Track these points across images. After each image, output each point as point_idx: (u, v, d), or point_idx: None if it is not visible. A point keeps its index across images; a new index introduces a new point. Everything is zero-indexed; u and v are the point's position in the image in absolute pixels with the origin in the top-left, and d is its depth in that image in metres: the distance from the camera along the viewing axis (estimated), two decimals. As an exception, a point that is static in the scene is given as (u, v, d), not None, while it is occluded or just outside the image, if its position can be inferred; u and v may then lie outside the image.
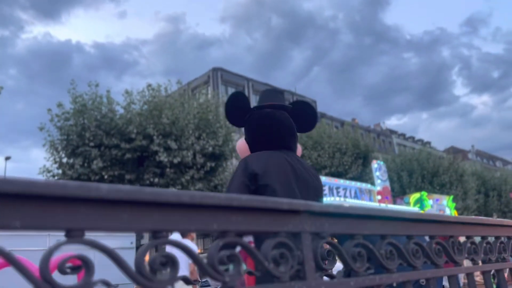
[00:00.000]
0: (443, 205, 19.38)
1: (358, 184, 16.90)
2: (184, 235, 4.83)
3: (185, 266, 4.40)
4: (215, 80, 30.59)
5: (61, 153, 14.03)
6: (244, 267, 0.64)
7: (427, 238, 1.06)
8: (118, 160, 13.79)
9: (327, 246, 0.79)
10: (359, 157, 21.45)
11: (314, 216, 0.75)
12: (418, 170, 24.10)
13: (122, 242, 8.92)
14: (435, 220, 1.07)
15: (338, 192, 15.10)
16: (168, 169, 13.76)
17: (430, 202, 18.60)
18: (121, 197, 0.52)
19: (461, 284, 3.43)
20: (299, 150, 2.07)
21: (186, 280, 0.64)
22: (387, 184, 18.55)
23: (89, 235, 0.52)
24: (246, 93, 30.32)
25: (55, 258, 0.55)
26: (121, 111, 14.74)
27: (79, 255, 0.52)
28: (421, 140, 54.21)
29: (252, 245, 0.87)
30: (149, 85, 15.13)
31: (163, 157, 13.48)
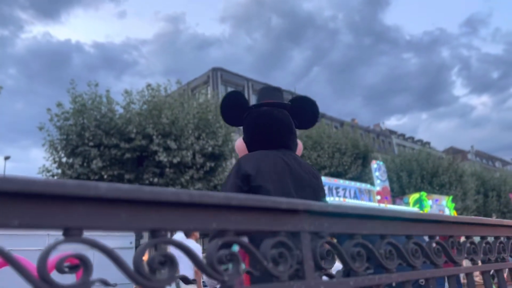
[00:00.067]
0: (443, 206, 19.39)
1: (358, 184, 16.90)
2: (187, 235, 4.82)
3: (189, 266, 4.38)
4: (214, 80, 30.58)
5: (60, 152, 14.03)
6: (243, 266, 0.64)
7: (426, 238, 1.06)
8: (118, 160, 13.78)
9: (327, 246, 0.79)
10: (358, 157, 21.46)
11: (314, 215, 0.75)
12: (418, 170, 24.11)
13: (122, 242, 8.93)
14: (434, 220, 1.07)
15: (337, 192, 15.10)
16: (167, 169, 13.75)
17: (430, 202, 18.62)
18: (120, 196, 0.51)
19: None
20: (300, 147, 2.03)
21: (185, 280, 0.64)
22: (387, 184, 18.55)
23: (89, 235, 0.51)
24: (246, 93, 30.42)
25: (53, 257, 0.55)
26: (121, 111, 14.74)
27: (77, 254, 0.51)
28: (420, 141, 54.23)
29: None
30: (149, 85, 15.12)
31: (162, 157, 13.48)
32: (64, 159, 14.09)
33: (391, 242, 0.89)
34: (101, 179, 13.39)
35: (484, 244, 1.23)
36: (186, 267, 4.51)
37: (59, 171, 13.95)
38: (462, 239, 1.19)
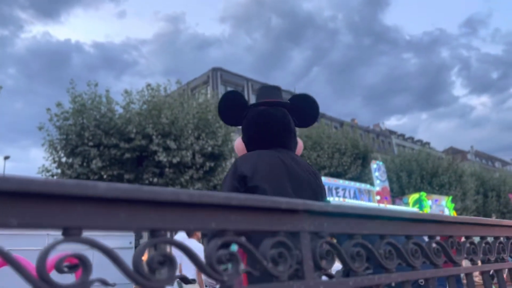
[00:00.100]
0: (442, 206, 19.40)
1: (357, 185, 16.91)
2: (189, 235, 4.81)
3: (191, 265, 4.37)
4: (214, 80, 30.58)
5: (60, 152, 14.02)
6: (242, 266, 0.64)
7: (425, 238, 1.06)
8: (117, 160, 13.78)
9: (327, 246, 0.79)
10: (358, 157, 21.47)
11: (313, 215, 0.75)
12: (417, 170, 24.13)
13: (121, 242, 8.93)
14: (434, 220, 1.07)
15: (337, 193, 15.11)
16: (167, 169, 13.75)
17: (429, 202, 18.63)
18: (119, 195, 0.51)
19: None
20: (300, 146, 2.01)
21: (184, 280, 0.64)
22: (386, 184, 18.56)
23: (88, 235, 0.51)
24: (246, 93, 30.44)
25: (52, 257, 0.55)
26: (120, 110, 14.74)
27: (76, 254, 0.51)
28: (420, 141, 54.25)
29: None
30: (149, 85, 15.12)
31: (162, 157, 13.48)
32: (63, 159, 14.08)
33: (391, 242, 0.89)
34: (100, 179, 13.38)
35: (483, 244, 1.23)
36: (188, 267, 4.51)
37: (59, 171, 13.95)
38: (462, 239, 1.19)
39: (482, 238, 1.25)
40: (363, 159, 21.64)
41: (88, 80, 14.70)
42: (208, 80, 30.70)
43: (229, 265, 0.63)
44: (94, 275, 0.52)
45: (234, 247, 0.71)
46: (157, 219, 0.56)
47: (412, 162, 24.60)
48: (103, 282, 0.62)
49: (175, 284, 4.34)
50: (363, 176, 20.95)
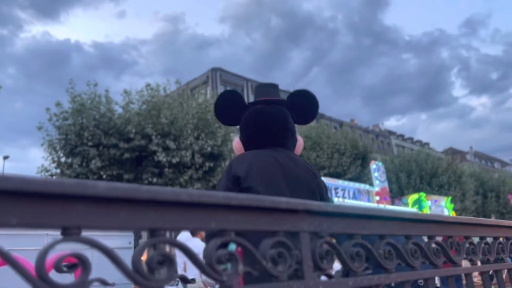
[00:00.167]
0: (441, 206, 19.41)
1: (357, 185, 16.92)
2: (193, 234, 4.81)
3: None
4: (214, 80, 30.58)
5: (59, 152, 14.02)
6: (241, 266, 0.64)
7: (425, 238, 1.06)
8: (117, 160, 13.78)
9: (326, 246, 0.78)
10: (357, 157, 21.48)
11: (313, 215, 0.75)
12: (417, 171, 24.14)
13: (120, 242, 8.93)
14: (433, 221, 1.07)
15: (336, 193, 15.12)
16: (166, 169, 13.75)
17: (429, 203, 18.63)
18: (119, 195, 0.51)
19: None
20: (300, 143, 1.97)
21: (184, 279, 0.64)
22: (386, 185, 18.57)
23: (88, 235, 0.51)
24: (245, 94, 30.44)
25: (52, 257, 0.55)
26: (120, 110, 14.73)
27: (75, 253, 0.51)
28: (419, 141, 54.26)
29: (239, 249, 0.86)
30: (148, 85, 15.12)
31: (161, 157, 13.47)
32: (63, 159, 14.08)
33: (390, 242, 0.89)
34: (100, 179, 13.37)
35: (483, 245, 1.23)
36: (193, 266, 4.50)
37: (58, 171, 13.94)
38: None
39: (482, 238, 1.25)
40: (363, 160, 21.65)
41: (87, 80, 14.73)
42: (207, 80, 30.70)
43: (228, 265, 0.63)
44: (93, 274, 0.52)
45: (232, 247, 0.71)
46: (156, 219, 0.56)
47: (411, 163, 24.61)
48: (103, 281, 0.62)
49: (179, 284, 4.33)
50: (363, 176, 20.97)
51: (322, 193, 1.81)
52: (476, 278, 2.68)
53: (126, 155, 13.54)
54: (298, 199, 0.73)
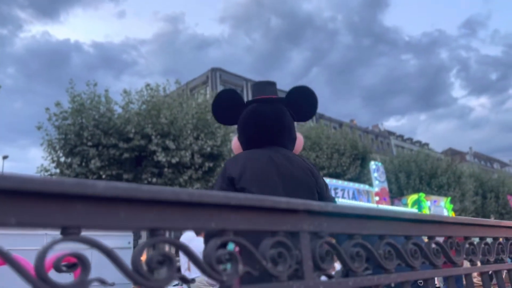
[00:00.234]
0: (441, 207, 19.42)
1: (356, 185, 16.93)
2: (198, 233, 4.81)
3: None
4: (213, 80, 30.58)
5: (59, 152, 14.01)
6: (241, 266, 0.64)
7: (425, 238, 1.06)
8: (116, 160, 13.77)
9: (326, 246, 0.78)
10: (357, 158, 21.49)
11: (313, 215, 0.75)
12: (416, 171, 24.15)
13: (120, 242, 8.91)
14: (433, 221, 1.07)
15: (336, 193, 15.12)
16: (166, 169, 13.74)
17: (428, 203, 18.64)
18: (118, 194, 0.51)
19: None
20: (299, 141, 1.94)
21: (183, 279, 0.63)
22: (385, 185, 18.58)
23: (87, 235, 0.51)
24: (245, 94, 30.45)
25: (51, 256, 0.55)
26: (119, 110, 14.73)
27: (74, 253, 0.51)
28: (419, 142, 54.30)
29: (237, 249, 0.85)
30: (148, 85, 15.12)
31: (161, 157, 13.47)
32: (62, 159, 14.07)
33: (390, 242, 0.89)
34: (99, 179, 13.36)
35: (483, 245, 1.23)
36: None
37: (58, 170, 13.93)
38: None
39: (482, 239, 1.25)
40: (362, 160, 21.66)
41: (87, 80, 14.73)
42: (207, 81, 30.70)
43: (228, 265, 0.63)
44: (92, 274, 0.51)
45: (231, 246, 0.71)
46: (156, 219, 0.55)
47: (411, 163, 24.62)
48: (102, 281, 0.62)
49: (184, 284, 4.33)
50: (362, 176, 20.97)
51: (321, 192, 1.78)
52: (476, 278, 2.68)
53: (126, 155, 13.54)
54: (298, 199, 0.73)
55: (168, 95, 15.37)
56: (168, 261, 0.56)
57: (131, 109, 14.53)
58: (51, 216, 0.47)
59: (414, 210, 17.29)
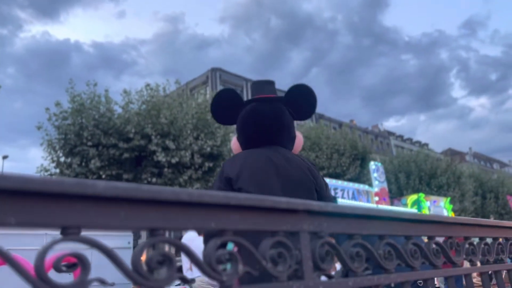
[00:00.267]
0: (440, 207, 19.43)
1: (356, 185, 16.94)
2: (200, 233, 4.82)
3: None
4: (213, 80, 30.58)
5: (58, 152, 14.01)
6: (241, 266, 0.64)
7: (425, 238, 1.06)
8: (116, 160, 13.77)
9: (326, 246, 0.78)
10: (357, 158, 21.49)
11: (313, 215, 0.75)
12: (416, 171, 24.16)
13: (120, 242, 8.91)
14: (433, 221, 1.07)
15: (336, 193, 15.12)
16: (166, 169, 13.75)
17: (428, 203, 18.65)
18: (118, 194, 0.51)
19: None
20: (299, 140, 1.93)
21: (183, 280, 0.63)
22: (385, 185, 18.59)
23: (87, 235, 0.51)
24: (245, 94, 30.45)
25: (51, 256, 0.55)
26: (119, 110, 14.73)
27: (74, 253, 0.51)
28: (418, 142, 54.32)
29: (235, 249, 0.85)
30: (148, 85, 15.12)
31: (161, 157, 13.47)
32: (62, 159, 14.07)
33: (390, 242, 0.89)
34: (99, 178, 13.36)
35: (482, 245, 1.23)
36: None
37: (57, 170, 13.93)
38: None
39: (481, 239, 1.25)
40: (362, 160, 21.67)
41: (87, 79, 14.75)
42: (207, 81, 30.70)
43: (228, 265, 0.63)
44: (92, 274, 0.51)
45: (230, 246, 0.71)
46: (156, 219, 0.55)
47: (410, 163, 24.63)
48: (102, 281, 0.62)
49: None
50: (362, 177, 20.98)
51: (321, 191, 1.76)
52: (476, 278, 2.68)
53: (126, 155, 13.54)
54: (298, 199, 0.73)
55: (168, 95, 15.38)
56: (168, 261, 0.56)
57: (131, 109, 14.53)
58: (51, 216, 0.47)
59: (414, 210, 17.30)
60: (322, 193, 1.77)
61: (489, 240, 1.29)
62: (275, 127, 1.80)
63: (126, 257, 0.51)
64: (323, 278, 0.80)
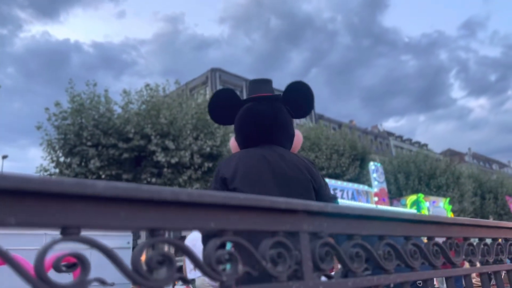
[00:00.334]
0: (440, 207, 19.42)
1: (355, 186, 16.93)
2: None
3: None
4: (213, 80, 30.59)
5: (58, 152, 14.00)
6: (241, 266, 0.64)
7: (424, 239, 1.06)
8: (116, 160, 13.77)
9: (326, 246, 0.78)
10: (356, 158, 21.49)
11: (313, 215, 0.75)
12: (415, 172, 24.16)
13: (119, 242, 8.90)
14: (433, 221, 1.07)
15: (335, 194, 15.10)
16: (165, 169, 13.74)
17: (427, 204, 18.65)
18: (118, 194, 0.51)
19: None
20: (297, 138, 1.92)
21: (183, 280, 0.63)
22: (384, 186, 18.59)
23: (86, 235, 0.51)
24: (244, 94, 30.47)
25: (51, 256, 0.55)
26: (119, 110, 14.72)
27: (74, 253, 0.51)
28: (418, 143, 54.35)
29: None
30: (147, 85, 15.11)
31: (160, 157, 13.46)
32: (62, 159, 14.06)
33: (390, 243, 0.89)
34: (98, 179, 13.35)
35: (482, 246, 1.23)
36: None
37: (57, 170, 13.92)
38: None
39: (481, 239, 1.25)
40: (361, 161, 21.67)
41: (87, 79, 14.71)
42: (206, 81, 30.71)
43: (227, 265, 0.63)
44: (92, 274, 0.51)
45: (228, 246, 0.71)
46: (156, 219, 0.55)
47: (410, 164, 24.62)
48: (102, 281, 0.62)
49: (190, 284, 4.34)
50: (361, 177, 20.98)
51: (319, 190, 1.74)
52: (475, 279, 2.68)
53: (125, 155, 13.53)
54: (298, 200, 0.73)
55: (168, 95, 15.37)
56: (167, 261, 0.56)
57: (131, 109, 14.53)
58: (51, 216, 0.47)
59: (413, 210, 17.31)
60: (321, 192, 1.76)
61: (488, 241, 1.29)
62: (272, 126, 1.79)
63: (126, 257, 0.51)
64: (323, 278, 0.80)
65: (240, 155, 1.74)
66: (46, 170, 13.91)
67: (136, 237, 14.00)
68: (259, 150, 1.74)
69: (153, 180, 13.64)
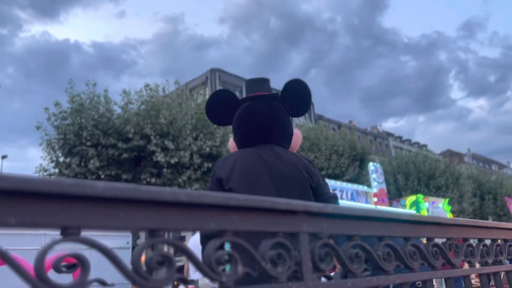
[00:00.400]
0: (439, 208, 19.42)
1: (355, 186, 16.93)
2: None
3: None
4: (213, 81, 30.58)
5: (57, 152, 13.99)
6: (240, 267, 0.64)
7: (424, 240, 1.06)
8: (115, 160, 13.76)
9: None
10: (356, 159, 21.50)
11: (312, 216, 0.75)
12: (415, 172, 24.17)
13: (119, 242, 8.91)
14: (432, 222, 1.07)
15: (335, 194, 15.10)
16: (165, 169, 13.74)
17: (426, 204, 18.66)
18: (118, 195, 0.51)
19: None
20: (296, 137, 1.92)
21: (183, 280, 0.63)
22: (384, 186, 18.59)
23: (86, 235, 0.51)
24: (244, 94, 30.32)
25: (50, 256, 0.55)
26: (119, 110, 14.72)
27: (74, 254, 0.51)
28: (417, 143, 54.37)
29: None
30: (147, 85, 15.11)
31: (160, 157, 13.46)
32: (61, 159, 14.05)
33: (389, 243, 0.89)
34: (98, 179, 13.35)
35: (481, 247, 1.23)
36: None
37: (56, 170, 13.91)
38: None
39: (480, 240, 1.25)
40: (361, 161, 21.67)
41: (86, 80, 14.70)
42: (206, 81, 30.70)
43: (227, 266, 0.63)
44: (91, 275, 0.51)
45: (227, 247, 0.70)
46: (156, 219, 0.55)
47: (409, 164, 24.63)
48: (102, 282, 0.62)
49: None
50: (361, 178, 20.98)
51: (318, 189, 1.74)
52: (474, 280, 2.68)
53: (125, 155, 13.52)
54: (297, 200, 0.73)
55: (168, 95, 15.37)
56: (167, 261, 0.56)
57: (130, 109, 14.52)
58: (50, 216, 0.47)
59: (413, 211, 17.31)
60: (320, 191, 1.75)
61: (487, 242, 1.29)
62: (270, 125, 1.79)
63: (125, 257, 0.51)
64: (323, 279, 0.80)
65: (237, 155, 1.74)
66: (45, 170, 13.90)
67: (135, 237, 13.99)
68: (256, 150, 1.73)
69: (153, 180, 13.63)
